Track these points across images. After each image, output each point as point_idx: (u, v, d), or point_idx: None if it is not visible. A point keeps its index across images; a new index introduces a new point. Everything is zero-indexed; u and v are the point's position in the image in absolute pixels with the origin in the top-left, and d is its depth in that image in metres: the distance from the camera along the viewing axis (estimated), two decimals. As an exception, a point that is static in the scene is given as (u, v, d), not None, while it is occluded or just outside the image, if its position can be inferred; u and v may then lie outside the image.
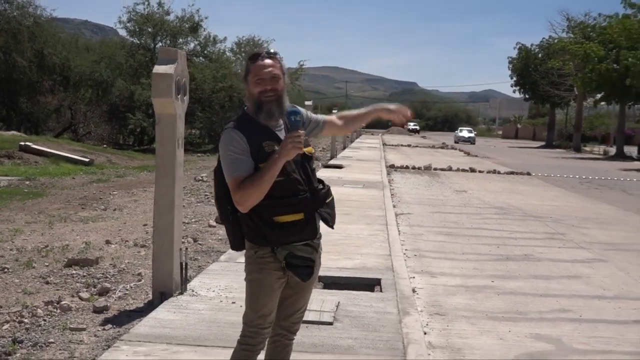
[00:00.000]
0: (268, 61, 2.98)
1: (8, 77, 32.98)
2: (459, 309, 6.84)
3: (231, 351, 4.18)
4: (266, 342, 3.23)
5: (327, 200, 3.19)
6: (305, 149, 2.95)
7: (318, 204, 3.07)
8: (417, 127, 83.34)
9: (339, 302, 6.25)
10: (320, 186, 3.17)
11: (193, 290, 6.67)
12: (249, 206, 2.90)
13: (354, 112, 3.59)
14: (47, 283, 7.42)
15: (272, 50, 3.08)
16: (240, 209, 2.94)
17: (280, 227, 3.00)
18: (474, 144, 58.89)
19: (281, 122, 3.11)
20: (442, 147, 50.12)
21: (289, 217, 2.98)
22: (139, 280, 7.24)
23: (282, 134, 3.00)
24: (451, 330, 6.05)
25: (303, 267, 3.05)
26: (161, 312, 5.90)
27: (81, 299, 6.75)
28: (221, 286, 6.89)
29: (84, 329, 5.77)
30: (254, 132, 3.02)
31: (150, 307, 6.18)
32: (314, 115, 3.41)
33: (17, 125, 32.63)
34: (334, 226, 3.24)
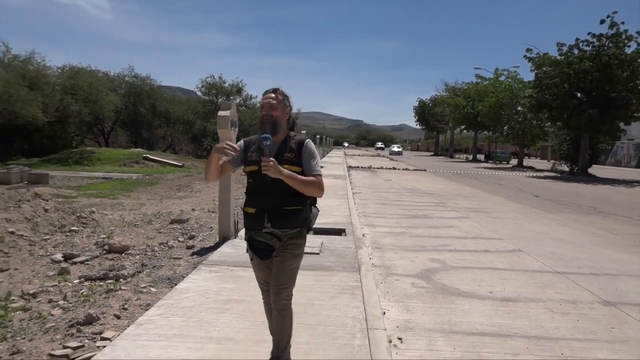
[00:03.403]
0: (270, 95, 3.07)
1: (135, 119, 43.72)
2: (388, 245, 7.78)
3: None
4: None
5: (288, 216, 3.02)
6: (270, 174, 2.82)
7: (271, 208, 2.98)
8: (383, 146, 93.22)
9: (322, 242, 7.18)
10: (289, 204, 3.01)
11: (241, 236, 7.46)
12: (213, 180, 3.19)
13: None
14: (160, 232, 8.43)
15: (275, 88, 3.12)
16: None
17: (246, 215, 3.08)
18: (401, 155, 67.11)
19: (283, 144, 3.06)
20: (377, 156, 58.73)
21: (248, 208, 3.06)
22: (211, 231, 8.23)
23: (269, 150, 2.89)
24: (384, 257, 7.00)
25: (260, 250, 3.03)
26: (223, 248, 6.81)
27: (179, 241, 7.74)
28: None
29: (180, 258, 6.71)
30: (251, 143, 3.12)
31: (217, 246, 7.07)
32: (306, 158, 3.07)
33: (141, 145, 41.30)
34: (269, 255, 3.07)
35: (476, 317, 4.72)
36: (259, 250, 3.07)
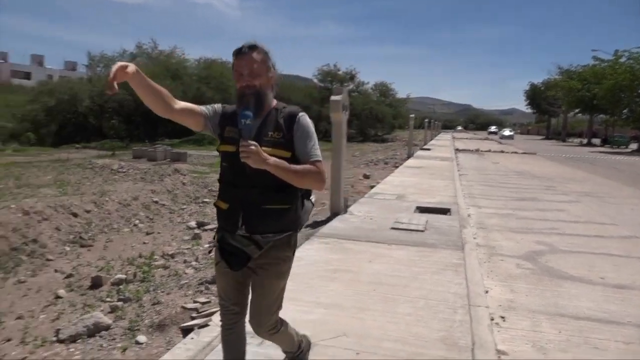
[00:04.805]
0: (247, 56, 2.07)
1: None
2: (494, 225, 7.43)
3: (369, 244, 5.36)
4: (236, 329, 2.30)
5: (270, 216, 2.10)
6: (250, 162, 1.92)
7: (248, 205, 2.09)
8: (496, 130, 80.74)
9: (427, 220, 7.09)
10: (273, 201, 2.10)
11: (350, 212, 7.63)
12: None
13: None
14: None
15: (253, 44, 2.09)
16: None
17: (218, 211, 2.22)
18: (513, 139, 60.51)
19: (267, 120, 2.12)
20: (485, 139, 54.57)
21: (220, 203, 2.18)
22: (323, 206, 8.32)
23: (249, 131, 1.95)
24: (489, 237, 6.67)
25: (233, 256, 2.15)
26: (334, 223, 6.90)
27: None
28: (365, 210, 7.81)
29: None
30: (226, 115, 2.17)
31: (328, 220, 7.15)
32: (299, 138, 2.13)
33: None
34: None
35: (585, 302, 4.33)
36: (229, 256, 2.17)
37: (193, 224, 7.62)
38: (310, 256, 5.19)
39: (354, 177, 13.42)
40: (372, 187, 11.41)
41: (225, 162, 2.17)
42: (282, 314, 3.60)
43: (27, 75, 60.87)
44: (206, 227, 7.40)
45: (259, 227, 2.11)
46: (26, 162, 15.90)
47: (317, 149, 2.17)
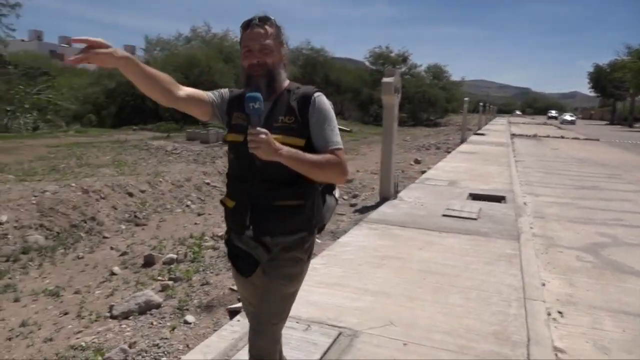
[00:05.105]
0: (258, 30, 1.80)
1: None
2: (552, 215, 7.11)
3: (419, 231, 5.28)
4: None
5: (281, 216, 1.82)
6: (259, 154, 1.64)
7: (257, 202, 1.82)
8: (556, 115, 75.81)
9: (480, 208, 6.89)
10: (285, 197, 1.81)
11: (400, 198, 7.52)
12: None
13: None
14: None
15: (263, 16, 1.83)
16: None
17: (225, 209, 1.97)
18: (574, 124, 56.30)
19: (278, 102, 1.85)
20: (544, 124, 51.07)
21: (227, 200, 1.94)
22: (373, 191, 8.35)
23: (258, 117, 1.66)
24: (547, 227, 6.36)
25: (241, 260, 1.92)
26: (383, 208, 6.82)
27: (343, 199, 7.98)
28: (415, 196, 7.69)
29: (344, 214, 6.91)
30: (234, 101, 1.91)
31: (377, 205, 7.13)
32: (316, 123, 1.82)
33: None
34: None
35: (652, 299, 4.04)
36: (237, 260, 1.96)
37: (243, 206, 7.71)
38: (358, 242, 5.14)
39: (405, 162, 13.28)
40: (423, 172, 11.21)
41: (232, 153, 1.90)
42: (329, 300, 3.59)
43: (90, 59, 63.52)
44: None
45: (268, 227, 1.83)
46: (87, 142, 16.62)
47: (336, 134, 1.85)
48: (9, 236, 5.64)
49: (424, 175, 10.38)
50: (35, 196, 6.52)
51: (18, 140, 16.47)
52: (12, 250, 5.36)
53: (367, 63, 50.97)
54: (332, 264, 4.39)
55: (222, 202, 1.99)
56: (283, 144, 1.69)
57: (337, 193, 2.04)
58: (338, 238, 5.38)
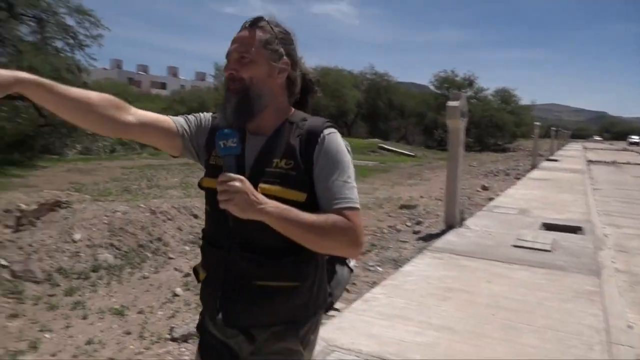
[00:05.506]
0: (243, 34, 1.34)
1: (373, 112, 46.26)
2: (637, 249, 6.59)
3: (487, 262, 4.98)
4: None
5: (265, 298, 1.31)
6: (231, 209, 1.16)
7: (231, 279, 1.33)
8: (638, 140, 68.30)
9: (554, 239, 6.50)
10: (273, 275, 1.31)
11: (467, 226, 7.25)
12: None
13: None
14: (389, 216, 8.60)
15: (259, 16, 1.36)
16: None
17: (198, 281, 1.46)
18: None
19: (275, 138, 1.35)
20: (623, 150, 47.49)
21: (200, 269, 1.45)
22: (437, 218, 8.03)
23: (229, 162, 1.22)
24: (631, 262, 5.86)
25: (214, 352, 1.40)
26: (448, 236, 6.58)
27: (407, 226, 7.74)
28: (483, 224, 7.40)
29: (407, 242, 6.67)
30: (215, 131, 1.30)
31: (442, 233, 6.87)
32: (322, 169, 1.30)
33: (377, 136, 41.78)
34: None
35: None
36: (207, 350, 1.44)
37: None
38: (422, 271, 4.95)
39: (471, 188, 12.76)
40: (491, 199, 10.72)
41: (208, 203, 1.42)
42: (390, 333, 3.43)
43: (163, 86, 67.32)
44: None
45: (240, 316, 1.33)
46: (159, 164, 17.36)
47: (351, 188, 1.31)
48: (81, 254, 5.88)
49: (492, 203, 9.95)
50: (107, 216, 6.81)
51: (96, 162, 17.50)
52: (84, 268, 5.58)
53: (431, 87, 50.51)
54: (393, 294, 4.24)
55: (194, 270, 1.49)
56: (277, 197, 1.23)
57: (352, 262, 1.54)
58: (400, 266, 5.22)
